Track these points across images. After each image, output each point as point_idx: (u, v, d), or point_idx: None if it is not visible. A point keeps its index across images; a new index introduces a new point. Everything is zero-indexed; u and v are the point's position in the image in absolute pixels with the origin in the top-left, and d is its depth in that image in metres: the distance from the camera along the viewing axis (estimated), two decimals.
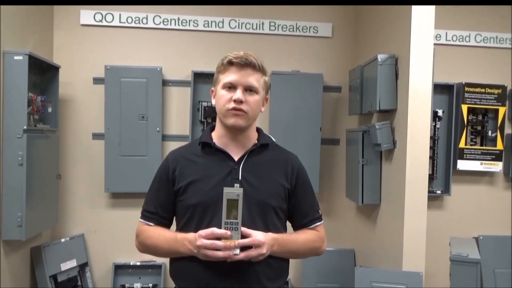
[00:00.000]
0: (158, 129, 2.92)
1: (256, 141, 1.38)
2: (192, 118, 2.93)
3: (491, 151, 3.05)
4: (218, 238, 1.20)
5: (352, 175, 2.77)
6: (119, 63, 2.93)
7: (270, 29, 3.08)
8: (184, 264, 1.30)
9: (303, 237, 1.38)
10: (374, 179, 2.61)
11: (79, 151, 2.99)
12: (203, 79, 2.97)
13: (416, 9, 2.23)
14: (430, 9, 2.23)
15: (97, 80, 2.95)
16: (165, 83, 2.99)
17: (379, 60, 2.38)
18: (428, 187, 2.37)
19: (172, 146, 2.88)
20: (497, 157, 3.05)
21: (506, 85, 3.05)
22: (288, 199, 1.37)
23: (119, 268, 2.97)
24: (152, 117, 2.91)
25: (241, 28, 3.06)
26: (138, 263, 2.96)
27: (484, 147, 3.06)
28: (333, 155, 3.19)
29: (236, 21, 3.05)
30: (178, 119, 3.04)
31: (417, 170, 2.25)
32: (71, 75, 2.92)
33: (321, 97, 2.99)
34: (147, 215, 1.38)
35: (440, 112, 3.01)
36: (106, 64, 2.88)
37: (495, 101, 3.03)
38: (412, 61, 2.23)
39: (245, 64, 1.28)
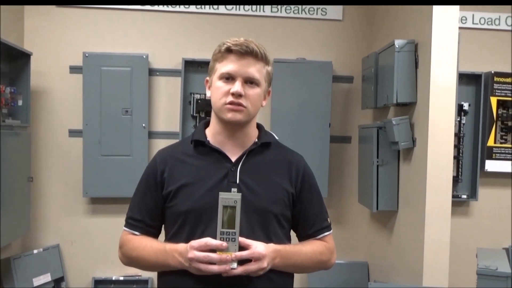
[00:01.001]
0: (144, 125, 2.93)
1: (256, 140, 1.38)
2: (182, 113, 2.93)
3: None
4: (213, 250, 1.19)
5: (366, 178, 2.78)
6: (99, 49, 2.93)
7: (272, 11, 3.08)
8: (174, 278, 1.30)
9: (309, 248, 1.38)
10: (391, 182, 2.61)
11: (54, 150, 2.99)
12: (195, 67, 2.98)
13: None
14: None
15: (74, 69, 2.95)
16: (152, 72, 3.00)
17: (397, 46, 2.38)
18: (452, 191, 2.37)
19: (160, 144, 2.88)
20: None
21: None
22: (292, 205, 1.37)
23: (100, 284, 2.97)
24: (137, 111, 2.91)
25: (239, 9, 3.06)
26: (121, 278, 2.97)
27: None
28: (344, 154, 3.19)
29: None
30: (167, 114, 3.04)
31: (440, 172, 2.25)
32: (44, 63, 2.92)
33: (330, 89, 2.99)
34: (132, 223, 1.38)
35: (466, 106, 3.01)
36: (85, 50, 2.88)
37: None
38: (434, 47, 2.23)
39: (246, 52, 1.28)
